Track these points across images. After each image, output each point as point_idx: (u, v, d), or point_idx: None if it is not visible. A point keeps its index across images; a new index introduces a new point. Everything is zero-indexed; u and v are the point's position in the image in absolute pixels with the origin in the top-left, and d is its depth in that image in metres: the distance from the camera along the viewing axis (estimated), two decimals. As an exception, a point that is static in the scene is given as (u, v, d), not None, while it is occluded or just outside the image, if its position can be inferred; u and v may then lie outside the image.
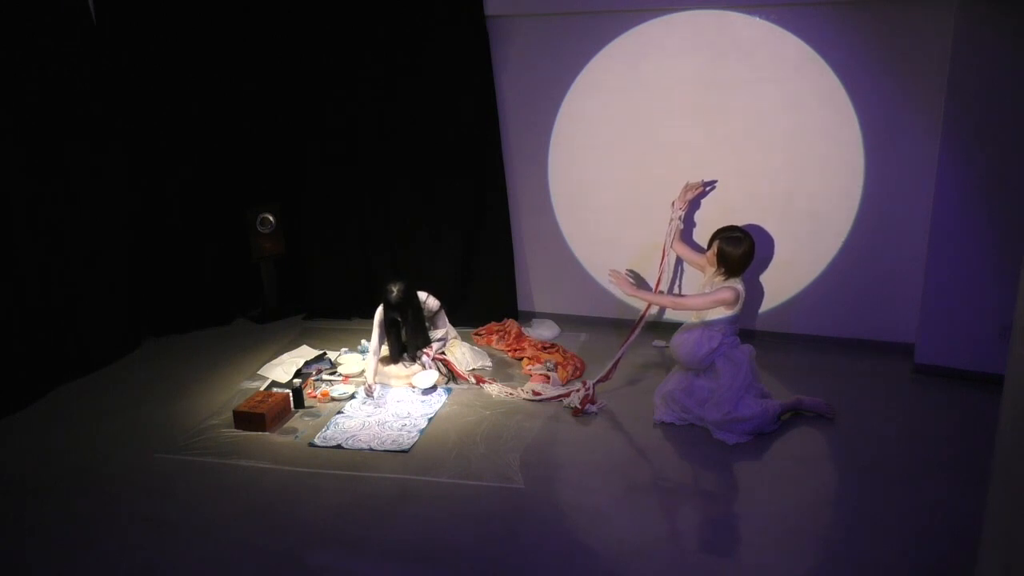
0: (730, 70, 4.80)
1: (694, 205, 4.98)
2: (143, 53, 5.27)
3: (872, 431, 4.12)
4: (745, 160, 4.93)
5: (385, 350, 4.88)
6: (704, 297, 4.18)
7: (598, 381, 4.55)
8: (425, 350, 4.81)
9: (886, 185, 4.74)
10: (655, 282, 4.81)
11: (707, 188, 4.95)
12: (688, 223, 5.05)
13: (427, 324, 4.89)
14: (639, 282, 5.18)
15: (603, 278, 5.47)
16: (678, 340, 4.34)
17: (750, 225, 4.80)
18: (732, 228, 4.33)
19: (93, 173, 5.10)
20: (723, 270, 4.27)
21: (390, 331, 4.80)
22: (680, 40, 4.85)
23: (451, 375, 4.81)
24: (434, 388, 4.69)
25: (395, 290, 4.67)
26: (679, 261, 5.08)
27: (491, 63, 5.18)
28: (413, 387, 4.70)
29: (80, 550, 3.39)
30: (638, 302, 4.93)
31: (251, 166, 5.79)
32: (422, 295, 4.85)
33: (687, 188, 4.79)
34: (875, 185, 4.75)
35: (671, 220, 4.77)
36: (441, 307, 4.96)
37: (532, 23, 5.10)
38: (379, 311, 4.76)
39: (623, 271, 4.50)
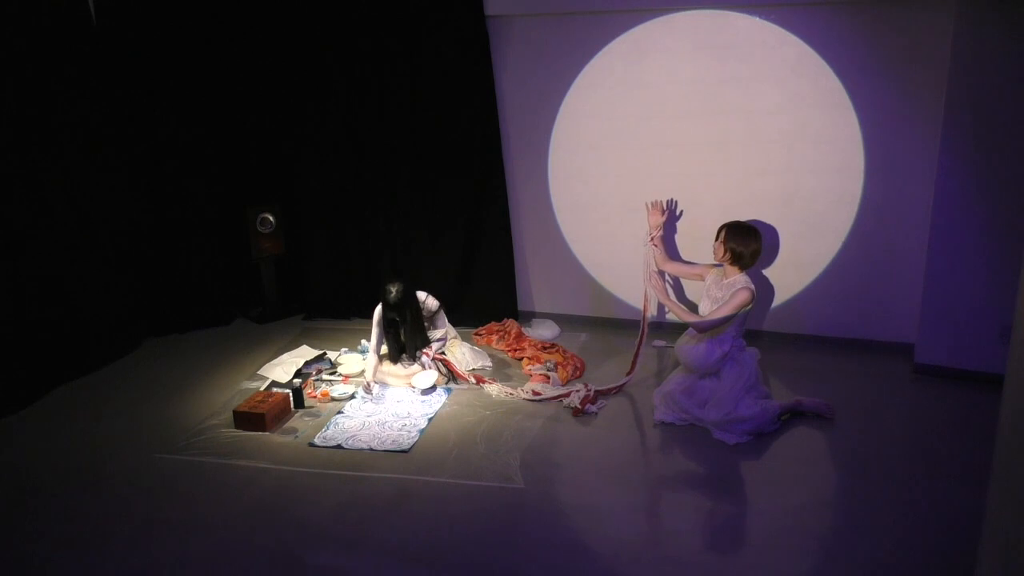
0: (730, 70, 4.81)
1: (672, 224, 5.02)
2: (143, 53, 5.27)
3: (872, 431, 4.12)
4: (745, 160, 4.93)
5: (385, 349, 4.88)
6: (726, 306, 4.15)
7: (601, 392, 4.55)
8: (424, 350, 4.81)
9: (886, 185, 4.74)
10: (642, 319, 4.77)
11: (674, 210, 5.00)
12: (689, 227, 5.06)
13: (426, 324, 4.88)
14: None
15: (603, 278, 5.48)
16: (686, 346, 4.32)
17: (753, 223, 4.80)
18: (739, 223, 4.32)
19: (93, 173, 5.10)
20: (728, 258, 4.26)
21: (389, 331, 4.80)
22: (680, 40, 4.85)
23: (451, 375, 4.81)
24: (433, 388, 4.69)
25: (393, 290, 4.66)
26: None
27: (491, 63, 5.18)
28: (413, 387, 4.70)
29: (80, 550, 3.39)
30: (639, 302, 4.93)
31: (251, 166, 5.79)
32: (421, 295, 4.84)
33: (652, 213, 4.77)
34: (875, 185, 4.76)
35: (647, 252, 4.72)
36: (440, 307, 4.95)
37: (532, 23, 5.10)
38: (378, 310, 4.75)
39: (659, 278, 4.55)
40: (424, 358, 4.78)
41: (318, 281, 5.90)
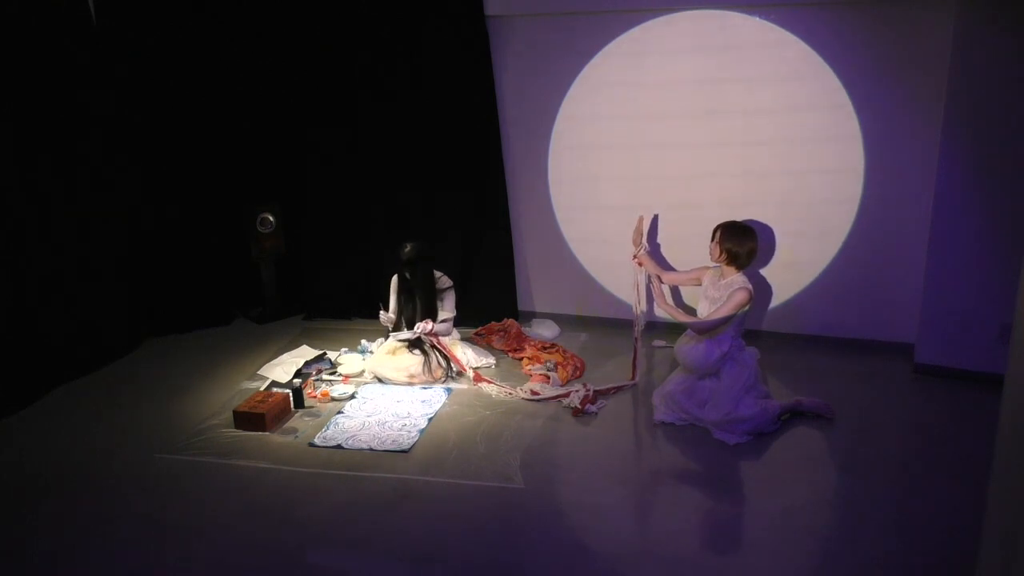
0: (730, 70, 4.81)
1: (671, 226, 5.05)
2: (143, 53, 5.27)
3: (872, 431, 4.12)
4: (745, 160, 4.93)
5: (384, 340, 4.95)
6: (724, 307, 4.15)
7: (601, 392, 4.55)
8: (426, 319, 4.82)
9: (886, 185, 4.74)
10: (634, 329, 4.80)
11: (656, 221, 5.05)
12: (688, 227, 5.05)
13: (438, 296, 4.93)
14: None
15: (603, 278, 5.48)
16: (685, 347, 4.32)
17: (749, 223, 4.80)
18: (735, 223, 4.32)
19: (93, 173, 5.10)
20: (724, 258, 4.26)
21: (401, 288, 4.90)
22: (680, 40, 4.85)
23: (449, 366, 4.81)
24: (409, 343, 4.79)
25: (409, 246, 4.78)
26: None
27: (491, 63, 5.18)
28: (411, 381, 4.72)
29: (80, 550, 3.39)
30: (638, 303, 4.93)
31: (251, 166, 5.79)
32: (436, 272, 4.92)
33: (634, 231, 4.77)
34: (875, 185, 4.76)
35: (635, 271, 4.73)
36: (452, 287, 4.96)
37: (532, 23, 5.10)
38: (394, 279, 4.92)
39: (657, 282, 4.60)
40: (420, 325, 4.80)
41: (318, 281, 5.90)
